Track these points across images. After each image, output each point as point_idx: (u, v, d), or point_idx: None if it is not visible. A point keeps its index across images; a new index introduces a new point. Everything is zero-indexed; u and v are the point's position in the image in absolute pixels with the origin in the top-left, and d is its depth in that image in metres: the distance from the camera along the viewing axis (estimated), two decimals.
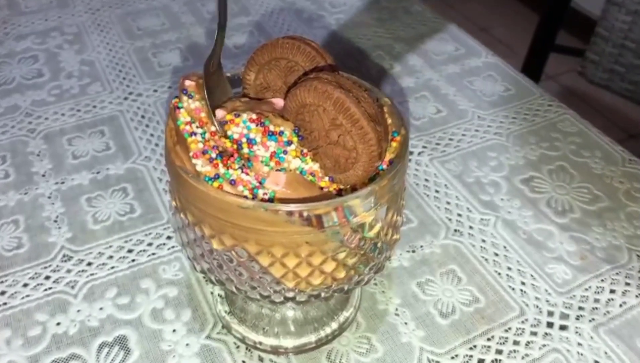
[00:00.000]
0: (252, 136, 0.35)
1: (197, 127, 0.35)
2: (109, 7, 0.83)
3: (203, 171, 0.34)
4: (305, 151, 0.36)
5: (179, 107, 0.35)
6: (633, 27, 1.09)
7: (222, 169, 0.34)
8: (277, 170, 0.35)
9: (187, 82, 0.36)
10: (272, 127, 0.35)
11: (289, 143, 0.36)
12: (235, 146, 0.36)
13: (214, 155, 0.35)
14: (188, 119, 0.35)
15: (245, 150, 0.35)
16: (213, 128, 0.36)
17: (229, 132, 0.36)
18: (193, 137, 0.34)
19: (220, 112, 0.37)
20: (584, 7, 1.91)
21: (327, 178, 0.37)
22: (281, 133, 0.36)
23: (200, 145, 0.34)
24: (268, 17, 0.81)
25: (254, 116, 0.36)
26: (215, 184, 0.34)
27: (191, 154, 0.34)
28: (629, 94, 1.14)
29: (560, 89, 1.92)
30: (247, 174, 0.35)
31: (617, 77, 1.14)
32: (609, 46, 1.12)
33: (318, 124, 0.35)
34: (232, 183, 0.34)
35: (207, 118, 0.36)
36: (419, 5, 0.85)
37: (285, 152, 0.35)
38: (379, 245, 0.37)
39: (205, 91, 0.37)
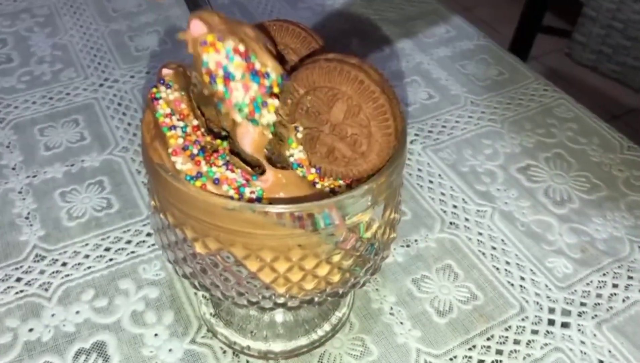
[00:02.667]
0: (231, 70, 0.31)
1: (177, 120, 0.32)
2: None
3: (184, 170, 0.31)
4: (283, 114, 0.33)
5: (157, 98, 0.32)
6: (621, 8, 1.07)
7: (204, 167, 0.31)
8: (249, 119, 0.31)
9: (165, 71, 0.32)
10: (258, 66, 0.31)
11: (270, 89, 0.32)
12: (206, 78, 0.31)
13: (195, 151, 0.32)
14: (167, 111, 0.32)
15: (219, 87, 0.31)
16: (195, 122, 0.32)
17: (204, 57, 0.31)
18: (172, 131, 0.31)
19: (197, 25, 0.32)
20: None
21: (314, 170, 0.34)
22: (267, 76, 0.32)
23: (181, 140, 0.31)
24: None
25: (240, 48, 0.31)
26: (198, 183, 0.31)
27: (170, 151, 0.31)
28: (616, 75, 1.12)
29: (545, 70, 1.90)
30: (233, 171, 0.32)
31: (604, 58, 1.12)
32: (596, 27, 1.10)
33: (334, 112, 0.32)
34: (216, 181, 0.31)
35: (189, 110, 0.32)
36: None
37: (265, 103, 0.31)
38: (375, 245, 0.35)
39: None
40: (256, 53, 0.32)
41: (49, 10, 0.74)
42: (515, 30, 1.33)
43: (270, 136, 0.34)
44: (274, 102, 0.32)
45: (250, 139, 0.33)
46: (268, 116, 0.32)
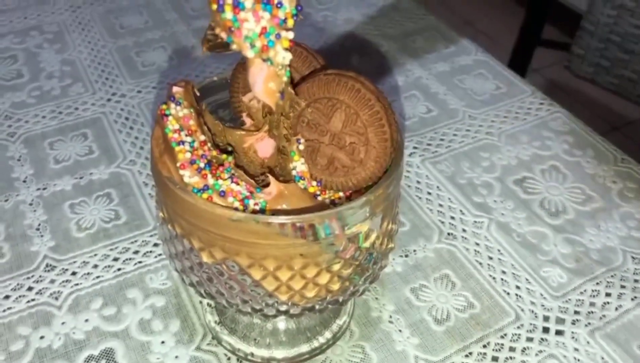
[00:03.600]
0: None
1: (185, 135, 0.34)
2: (90, 4, 0.81)
3: (191, 182, 0.33)
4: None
5: (166, 115, 0.33)
6: (618, 22, 1.09)
7: (211, 180, 0.33)
8: (263, 59, 0.30)
9: (175, 89, 0.34)
10: None
11: (284, 21, 0.30)
12: (214, 5, 0.30)
13: (202, 165, 0.33)
14: (176, 127, 0.33)
15: (228, 15, 0.30)
16: (202, 137, 0.34)
17: None
18: (181, 146, 0.33)
19: None
20: (569, 1, 1.91)
21: (315, 183, 0.36)
22: (279, 5, 0.30)
23: (188, 155, 0.33)
24: None
25: None
26: (204, 195, 0.33)
27: (178, 164, 0.32)
28: (614, 88, 1.14)
29: (545, 82, 1.92)
30: (237, 184, 0.34)
31: (602, 71, 1.14)
32: (594, 40, 1.12)
33: (333, 122, 0.34)
34: (222, 194, 0.33)
35: (196, 126, 0.34)
36: (407, 1, 0.84)
37: (278, 36, 0.30)
38: (374, 254, 0.36)
39: None
40: None
41: (58, 27, 0.76)
42: (515, 43, 1.35)
43: (285, 78, 0.32)
44: (288, 36, 0.30)
45: (262, 78, 0.32)
46: (282, 53, 0.31)
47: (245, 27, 0.30)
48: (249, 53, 0.31)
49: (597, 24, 1.10)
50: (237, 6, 0.29)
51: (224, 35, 0.32)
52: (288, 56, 0.31)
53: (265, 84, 0.31)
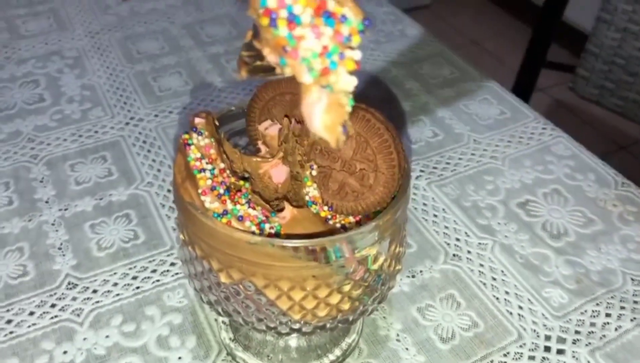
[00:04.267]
0: (297, 10, 0.25)
1: (206, 163, 0.36)
2: (108, 30, 0.84)
3: (212, 208, 0.35)
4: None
5: (189, 144, 0.36)
6: (622, 44, 1.11)
7: (229, 205, 0.35)
8: (321, 84, 0.26)
9: (197, 120, 0.37)
10: (331, 5, 0.26)
11: (349, 39, 0.26)
12: (265, 20, 0.26)
13: (222, 191, 0.36)
14: (198, 155, 0.36)
15: (282, 31, 0.26)
16: (222, 165, 0.37)
17: None
18: (202, 173, 0.35)
19: None
20: (575, 21, 1.93)
21: (327, 208, 0.38)
22: (343, 19, 0.26)
23: (209, 182, 0.35)
24: None
25: None
26: (224, 220, 0.35)
27: (200, 191, 0.35)
28: (619, 109, 1.16)
29: (552, 102, 1.94)
30: (254, 209, 0.36)
31: (607, 92, 1.16)
32: (599, 63, 1.15)
33: (344, 149, 0.36)
34: (240, 218, 0.35)
35: (216, 155, 0.36)
36: (415, 27, 0.87)
37: (342, 55, 0.26)
38: (382, 276, 0.38)
39: None
40: None
41: (78, 53, 0.79)
42: (520, 65, 1.37)
43: (349, 108, 0.28)
44: (354, 56, 0.26)
45: (321, 110, 0.27)
46: (346, 77, 0.27)
47: (303, 46, 0.26)
48: (306, 78, 0.26)
49: (601, 47, 1.13)
50: (293, 21, 0.25)
51: (273, 57, 0.27)
52: (353, 81, 0.27)
53: (324, 116, 0.27)
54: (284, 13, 0.26)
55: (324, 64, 0.26)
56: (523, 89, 1.36)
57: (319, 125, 0.28)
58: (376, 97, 0.73)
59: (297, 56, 0.26)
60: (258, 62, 0.29)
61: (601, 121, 1.74)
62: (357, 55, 0.27)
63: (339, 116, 0.28)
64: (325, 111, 0.28)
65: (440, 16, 2.40)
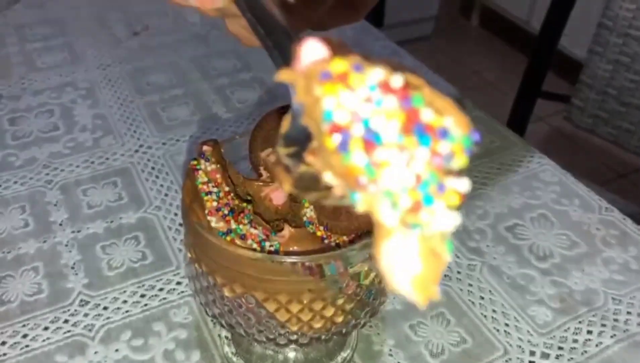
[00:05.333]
0: (378, 124, 0.19)
1: (212, 186, 0.40)
2: (119, 63, 0.88)
3: (217, 227, 0.39)
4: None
5: (197, 169, 0.39)
6: (614, 75, 1.15)
7: (233, 225, 0.39)
8: (408, 224, 0.20)
9: (205, 147, 0.40)
10: (427, 116, 0.19)
11: (451, 158, 0.20)
12: (331, 143, 0.20)
13: (226, 212, 0.39)
14: (205, 179, 0.39)
15: (357, 159, 0.20)
16: (227, 188, 0.40)
17: (325, 102, 0.20)
18: (209, 196, 0.39)
19: (313, 47, 0.21)
20: (571, 51, 1.98)
21: (322, 228, 0.41)
22: (444, 134, 0.20)
23: (215, 203, 0.39)
24: (270, 72, 0.87)
25: (395, 81, 0.20)
26: (228, 238, 0.38)
27: (207, 211, 0.38)
28: (613, 139, 1.19)
29: (550, 130, 1.99)
30: (255, 228, 0.39)
31: (601, 122, 1.20)
32: (592, 93, 1.18)
33: None
34: (242, 237, 0.38)
35: (222, 179, 0.40)
36: (410, 60, 0.91)
37: (442, 187, 0.19)
38: (373, 291, 0.41)
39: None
40: (422, 92, 0.20)
41: (90, 84, 0.83)
42: (516, 95, 1.41)
43: (448, 259, 0.21)
44: (458, 186, 0.20)
45: (407, 262, 0.20)
46: (445, 216, 0.20)
47: (386, 177, 0.19)
48: (389, 219, 0.20)
49: (594, 78, 1.17)
50: (373, 140, 0.19)
51: (338, 186, 0.21)
52: (455, 220, 0.20)
53: (413, 270, 0.20)
54: (359, 130, 0.19)
55: (414, 199, 0.19)
56: (519, 118, 1.39)
57: (404, 282, 0.20)
58: None
59: (378, 191, 0.19)
60: (304, 167, 0.23)
61: (599, 149, 1.78)
62: (463, 185, 0.20)
63: (432, 269, 0.20)
64: (414, 263, 0.20)
65: (439, 47, 2.46)
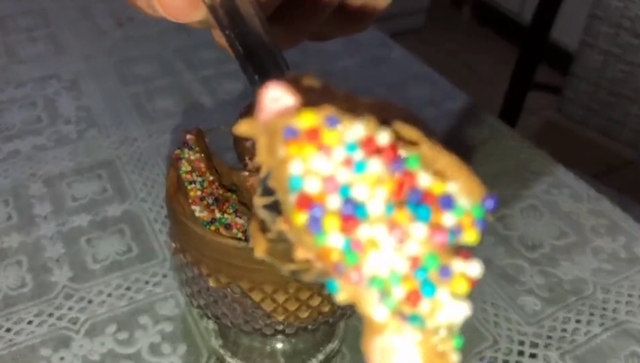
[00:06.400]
0: (361, 193, 0.16)
1: (196, 176, 0.39)
2: (103, 54, 0.87)
3: (201, 216, 0.38)
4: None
5: (180, 158, 0.39)
6: (606, 67, 1.15)
7: (218, 214, 0.38)
8: (404, 317, 0.16)
9: (188, 136, 0.40)
10: (424, 180, 0.16)
11: (457, 234, 0.17)
12: (299, 218, 0.16)
13: (210, 201, 0.38)
14: (189, 168, 0.39)
15: (332, 239, 0.16)
16: (211, 177, 0.39)
17: (292, 167, 0.16)
18: (193, 185, 0.38)
19: (276, 94, 0.17)
20: (562, 42, 1.98)
21: None
22: (447, 203, 0.17)
23: (199, 192, 0.38)
24: None
25: (381, 137, 0.16)
26: (212, 227, 0.38)
27: (190, 201, 0.38)
28: (605, 130, 1.19)
29: (542, 123, 1.98)
30: (240, 217, 0.39)
31: (593, 114, 1.20)
32: (584, 84, 1.18)
33: None
34: (227, 226, 0.38)
35: (206, 168, 0.39)
36: (400, 50, 0.90)
37: (446, 271, 0.17)
38: None
39: None
40: (419, 149, 0.16)
41: (74, 76, 0.82)
42: (508, 88, 1.40)
43: (455, 360, 0.18)
44: (468, 270, 0.17)
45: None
46: (451, 307, 0.17)
47: (372, 262, 0.16)
48: (378, 313, 0.16)
49: (585, 69, 1.17)
50: (355, 215, 0.15)
51: (314, 268, 0.18)
52: (463, 310, 0.17)
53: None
54: (335, 202, 0.15)
55: (410, 288, 0.16)
56: (511, 110, 1.39)
57: None
58: None
59: (361, 279, 0.16)
60: (288, 246, 0.19)
61: (592, 142, 1.78)
62: (475, 269, 0.17)
63: None
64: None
65: (430, 40, 2.46)
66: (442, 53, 2.36)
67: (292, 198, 0.16)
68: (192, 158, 0.39)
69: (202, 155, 0.40)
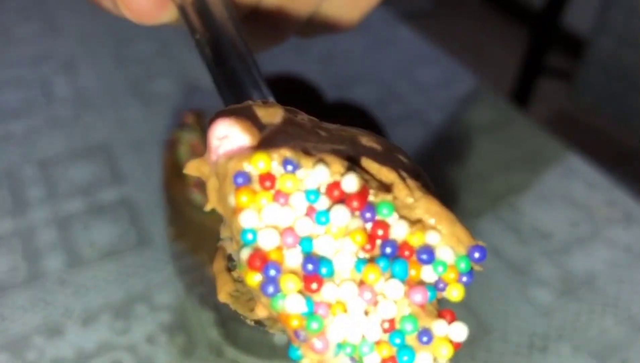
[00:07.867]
0: (321, 247, 0.14)
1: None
2: (100, 34, 0.85)
3: (198, 201, 0.36)
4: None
5: (178, 141, 0.37)
6: (618, 54, 1.12)
7: None
8: None
9: (187, 117, 0.37)
10: (400, 230, 0.15)
11: (439, 292, 0.16)
12: (251, 278, 0.15)
13: None
14: (188, 151, 0.37)
15: (291, 305, 0.15)
16: None
17: (242, 219, 0.15)
18: None
19: (223, 130, 0.16)
20: (574, 27, 1.95)
21: None
22: (427, 256, 0.15)
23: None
24: None
25: (351, 182, 0.14)
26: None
27: (190, 185, 0.35)
28: (616, 119, 1.17)
29: (553, 112, 1.96)
30: None
31: (604, 102, 1.17)
32: (596, 72, 1.16)
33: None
34: None
35: (204, 150, 0.37)
36: (408, 31, 0.88)
37: (427, 335, 0.16)
38: None
39: None
40: (394, 193, 0.15)
41: (70, 56, 0.80)
42: (518, 74, 1.38)
43: None
44: (452, 334, 0.17)
45: None
46: None
47: (338, 328, 0.14)
48: None
49: (597, 56, 1.14)
50: (317, 273, 0.14)
51: (275, 328, 0.17)
52: None
53: None
54: (294, 258, 0.14)
55: (385, 355, 0.14)
56: (521, 95, 1.37)
57: None
58: (365, 101, 0.74)
59: (327, 346, 0.14)
60: (250, 301, 0.17)
61: (603, 131, 1.76)
62: (461, 332, 0.16)
63: None
64: None
65: (441, 23, 2.42)
66: (450, 37, 2.33)
67: (245, 254, 0.15)
68: (192, 140, 0.37)
69: (202, 137, 0.38)
